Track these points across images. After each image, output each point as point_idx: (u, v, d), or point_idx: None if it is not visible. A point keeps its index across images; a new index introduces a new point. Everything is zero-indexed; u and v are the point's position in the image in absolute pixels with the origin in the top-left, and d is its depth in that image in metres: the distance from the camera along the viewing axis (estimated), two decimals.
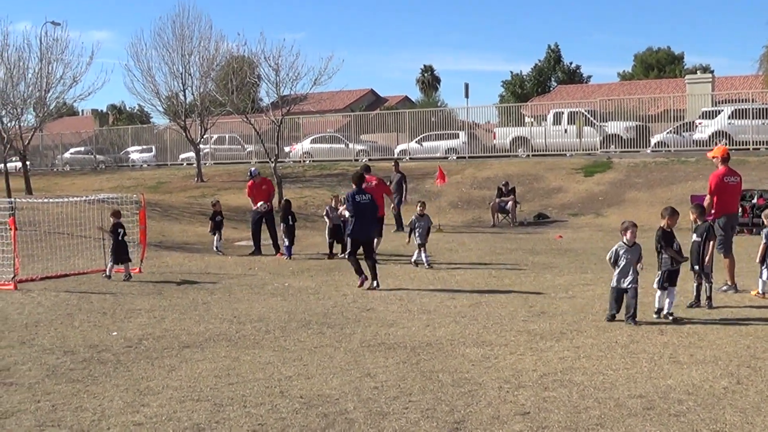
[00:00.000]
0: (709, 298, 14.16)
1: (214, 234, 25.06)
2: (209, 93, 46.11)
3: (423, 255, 20.42)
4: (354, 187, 18.14)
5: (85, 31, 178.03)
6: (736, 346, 11.31)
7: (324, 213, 24.27)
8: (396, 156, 45.31)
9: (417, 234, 20.54)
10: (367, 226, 17.92)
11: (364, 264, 17.58)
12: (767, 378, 9.65)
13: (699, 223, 14.51)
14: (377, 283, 17.37)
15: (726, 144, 39.41)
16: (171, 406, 9.06)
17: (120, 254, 19.69)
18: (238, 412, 8.81)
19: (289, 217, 23.50)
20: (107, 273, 19.63)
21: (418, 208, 21.02)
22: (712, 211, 16.12)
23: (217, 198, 29.09)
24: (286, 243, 23.26)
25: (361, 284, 17.44)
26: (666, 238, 13.50)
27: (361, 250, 17.73)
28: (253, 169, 26.57)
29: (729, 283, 16.00)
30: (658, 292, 13.36)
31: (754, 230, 26.22)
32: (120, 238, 19.76)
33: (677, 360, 10.61)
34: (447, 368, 10.48)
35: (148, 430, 8.28)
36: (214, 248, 24.74)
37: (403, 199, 30.75)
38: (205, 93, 45.97)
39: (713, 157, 17.14)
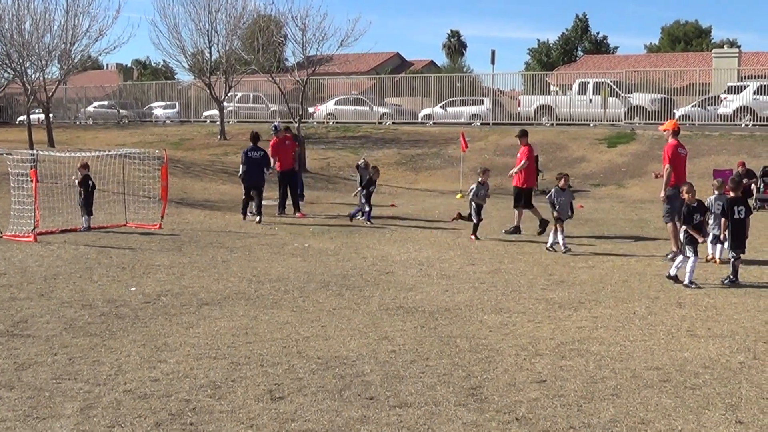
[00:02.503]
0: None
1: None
2: (235, 51, 45.92)
3: (560, 236, 17.56)
4: (250, 144, 23.24)
5: None
6: (753, 321, 11.28)
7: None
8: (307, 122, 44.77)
9: (557, 211, 17.73)
10: (255, 175, 22.74)
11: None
12: None
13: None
14: (260, 219, 22.14)
15: (750, 120, 39.27)
16: (188, 363, 9.10)
17: (87, 206, 20.21)
18: (254, 371, 8.85)
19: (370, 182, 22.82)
20: (86, 226, 20.02)
21: (562, 182, 18.13)
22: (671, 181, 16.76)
23: None
24: (367, 208, 22.30)
25: (244, 218, 22.68)
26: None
27: None
28: (276, 123, 26.06)
29: (674, 250, 16.33)
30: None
31: None
32: (89, 189, 20.06)
33: (694, 333, 10.59)
34: (465, 334, 10.49)
35: (164, 386, 8.31)
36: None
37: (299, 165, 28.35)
38: (230, 51, 45.73)
39: (664, 130, 17.85)
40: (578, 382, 8.51)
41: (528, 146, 21.09)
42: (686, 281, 13.61)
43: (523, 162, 20.71)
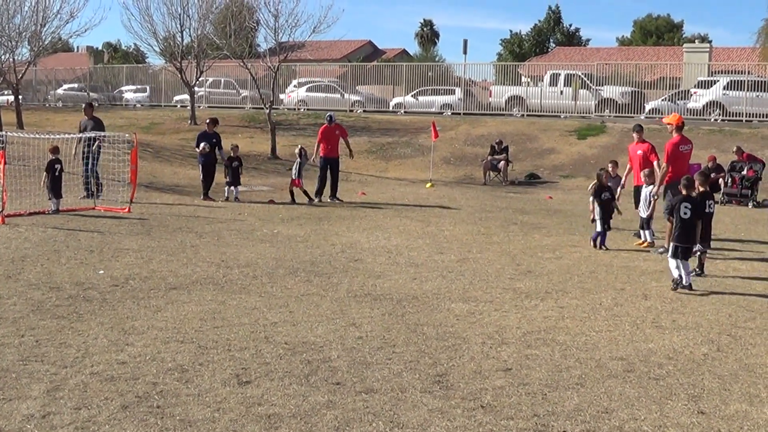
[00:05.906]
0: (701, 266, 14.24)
1: (231, 185, 24.25)
2: (207, 35, 45.67)
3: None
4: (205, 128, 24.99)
5: None
6: (717, 314, 11.38)
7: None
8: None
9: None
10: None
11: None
12: (747, 346, 9.74)
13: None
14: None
15: (720, 115, 39.53)
16: (155, 347, 9.11)
17: (55, 190, 20.13)
18: (222, 355, 8.87)
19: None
20: (54, 208, 19.95)
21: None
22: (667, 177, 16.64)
23: (235, 143, 27.00)
24: (599, 228, 16.89)
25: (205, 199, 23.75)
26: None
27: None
28: (331, 114, 26.82)
29: (666, 246, 16.45)
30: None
31: (742, 201, 26.41)
32: (56, 173, 20.03)
33: (659, 325, 10.68)
34: (432, 322, 10.54)
35: (131, 369, 8.32)
36: (235, 198, 24.05)
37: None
38: (202, 35, 45.47)
39: (668, 124, 17.22)
40: (543, 371, 8.59)
41: (648, 144, 18.41)
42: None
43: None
